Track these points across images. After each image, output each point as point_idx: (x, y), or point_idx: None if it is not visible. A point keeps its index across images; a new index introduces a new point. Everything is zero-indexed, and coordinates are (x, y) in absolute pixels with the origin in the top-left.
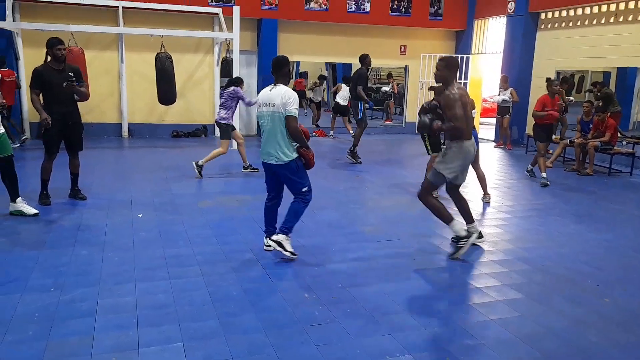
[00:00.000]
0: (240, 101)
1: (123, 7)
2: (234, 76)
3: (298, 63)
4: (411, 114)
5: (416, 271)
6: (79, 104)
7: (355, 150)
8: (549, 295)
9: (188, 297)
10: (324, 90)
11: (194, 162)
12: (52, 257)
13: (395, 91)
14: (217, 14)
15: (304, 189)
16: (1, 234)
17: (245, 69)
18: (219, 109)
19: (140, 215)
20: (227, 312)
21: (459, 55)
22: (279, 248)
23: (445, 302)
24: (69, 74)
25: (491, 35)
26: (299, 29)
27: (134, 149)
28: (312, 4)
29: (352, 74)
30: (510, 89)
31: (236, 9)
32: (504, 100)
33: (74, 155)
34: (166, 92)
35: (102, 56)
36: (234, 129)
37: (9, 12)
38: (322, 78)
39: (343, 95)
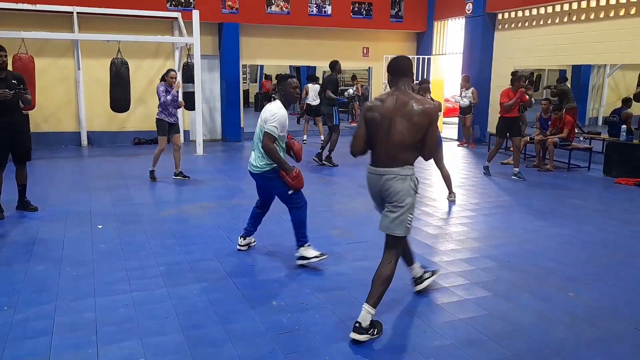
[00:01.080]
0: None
1: (78, 13)
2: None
3: (262, 66)
4: None
5: None
6: (32, 113)
7: (331, 155)
8: (516, 292)
9: (151, 311)
10: None
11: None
12: (6, 273)
13: (360, 93)
14: (176, 18)
15: (290, 192)
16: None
17: (207, 74)
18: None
19: (100, 227)
20: (192, 324)
21: (417, 56)
22: (304, 262)
23: (413, 303)
24: (13, 81)
25: (451, 36)
26: (261, 33)
27: (93, 158)
28: (274, 7)
29: (314, 74)
30: (471, 88)
31: (196, 13)
32: (465, 101)
33: (21, 166)
34: (119, 99)
35: (58, 63)
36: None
37: None
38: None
39: (313, 96)
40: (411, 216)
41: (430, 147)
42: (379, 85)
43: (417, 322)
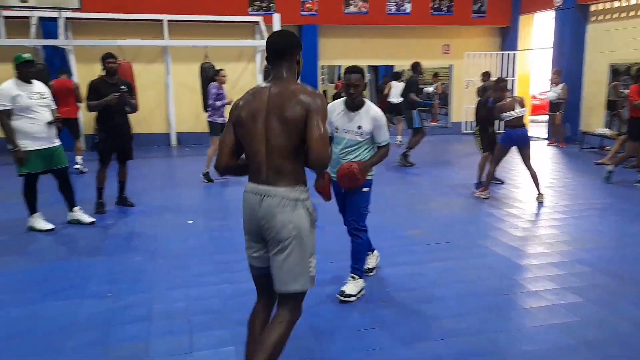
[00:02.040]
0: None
1: (168, 20)
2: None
3: (339, 67)
4: (456, 114)
5: (468, 275)
6: (129, 116)
7: (408, 153)
8: (612, 299)
9: (239, 303)
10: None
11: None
12: (108, 263)
13: (439, 91)
14: (257, 22)
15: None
16: (60, 242)
17: None
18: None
19: (190, 222)
20: None
21: (501, 52)
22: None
23: (501, 307)
24: (121, 87)
25: (538, 30)
26: (339, 34)
27: (182, 158)
28: (352, 8)
29: (398, 72)
30: (561, 84)
31: (276, 17)
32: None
33: (123, 164)
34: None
35: (150, 69)
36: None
37: (61, 30)
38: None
39: (395, 93)
40: (313, 260)
41: (315, 147)
42: (460, 83)
43: (506, 326)
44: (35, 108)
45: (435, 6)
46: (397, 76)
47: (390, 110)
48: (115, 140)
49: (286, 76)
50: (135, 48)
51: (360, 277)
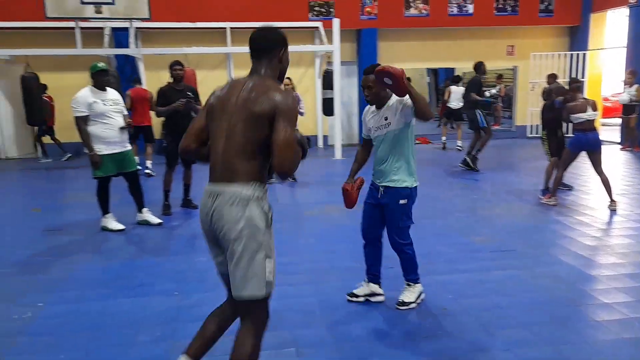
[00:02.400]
0: None
1: (231, 28)
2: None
3: None
4: (520, 117)
5: (534, 284)
6: None
7: (477, 155)
8: None
9: (298, 305)
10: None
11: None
12: (174, 263)
13: (502, 94)
14: (317, 27)
15: None
16: (130, 241)
17: (346, 80)
18: None
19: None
20: (336, 320)
21: (570, 52)
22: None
23: (570, 318)
24: (187, 93)
25: (611, 28)
26: (398, 37)
27: None
28: (412, 10)
29: (457, 75)
30: (635, 85)
31: (336, 22)
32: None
33: (188, 168)
34: None
35: (212, 75)
36: None
37: (132, 39)
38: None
39: (455, 98)
40: (270, 263)
41: (278, 152)
42: (525, 85)
43: (575, 338)
44: (109, 114)
45: (500, 6)
46: (457, 80)
47: (449, 115)
48: None
49: (264, 73)
50: (199, 55)
51: (416, 283)
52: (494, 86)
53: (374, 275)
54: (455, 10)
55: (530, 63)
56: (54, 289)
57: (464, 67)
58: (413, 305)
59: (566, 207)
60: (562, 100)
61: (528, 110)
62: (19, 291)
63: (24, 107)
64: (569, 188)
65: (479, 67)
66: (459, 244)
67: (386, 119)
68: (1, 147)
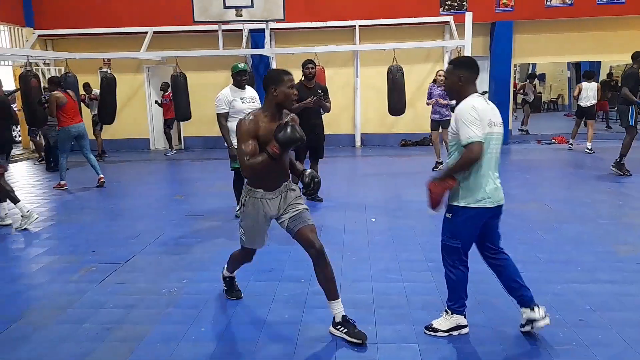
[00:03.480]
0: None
1: (359, 26)
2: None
3: (534, 65)
4: None
5: None
6: None
7: (622, 161)
8: None
9: (421, 301)
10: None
11: None
12: (301, 252)
13: None
14: (448, 22)
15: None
16: None
17: None
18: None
19: (373, 220)
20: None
21: None
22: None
23: None
24: (318, 90)
25: None
26: (536, 29)
27: (366, 157)
28: (554, 0)
29: (591, 70)
30: None
31: (469, 15)
32: None
33: (315, 162)
34: (397, 103)
35: (340, 72)
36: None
37: (267, 39)
38: (531, 77)
39: (585, 96)
40: (241, 230)
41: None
42: None
43: None
44: (246, 111)
45: None
46: (590, 76)
47: (580, 114)
48: (311, 140)
49: (263, 104)
50: (327, 53)
51: (454, 313)
52: None
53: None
54: None
55: None
56: (196, 268)
57: (611, 60)
58: (442, 334)
59: None
60: None
61: None
62: (167, 269)
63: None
64: None
65: (637, 57)
66: (600, 252)
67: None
68: (151, 140)
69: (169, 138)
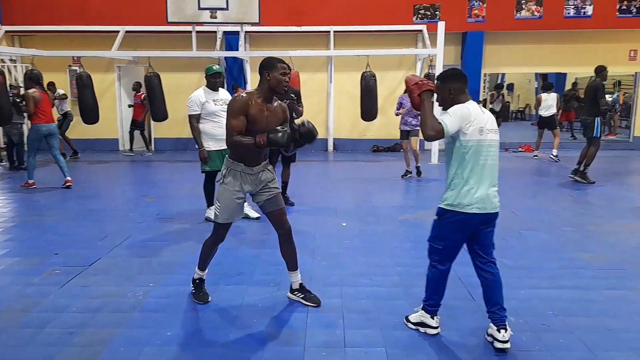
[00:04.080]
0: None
1: (334, 32)
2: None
3: (503, 75)
4: None
5: None
6: None
7: (586, 170)
8: None
9: (389, 306)
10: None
11: None
12: (271, 256)
13: (621, 101)
14: (421, 30)
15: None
16: (231, 233)
17: None
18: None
19: (344, 224)
20: None
21: None
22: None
23: None
24: (291, 95)
25: None
26: (506, 40)
27: (338, 162)
28: (524, 12)
29: (549, 82)
30: None
31: (441, 25)
32: None
33: (287, 166)
34: (369, 109)
35: (315, 77)
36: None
37: (241, 42)
38: (499, 87)
39: (545, 106)
40: (217, 204)
41: None
42: None
43: None
44: (218, 113)
45: (623, 8)
46: (548, 87)
47: (541, 124)
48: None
49: (257, 86)
50: (302, 58)
51: (423, 310)
52: (612, 93)
53: None
54: (572, 12)
55: None
56: (163, 271)
57: (577, 72)
58: (410, 325)
59: None
60: None
61: None
62: (133, 272)
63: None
64: None
65: (601, 71)
66: (564, 259)
67: None
68: (120, 141)
69: (144, 139)
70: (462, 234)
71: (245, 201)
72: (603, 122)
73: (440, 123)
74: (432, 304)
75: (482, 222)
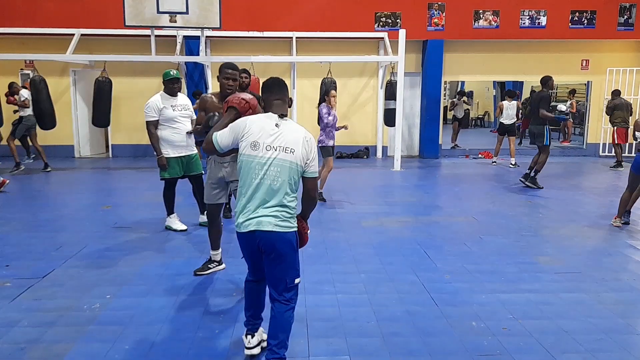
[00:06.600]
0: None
1: (296, 38)
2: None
3: (463, 83)
4: (593, 134)
5: (602, 310)
6: None
7: (536, 176)
8: None
9: (354, 313)
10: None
11: None
12: (233, 265)
13: (574, 110)
14: (382, 38)
15: (297, 281)
16: (192, 241)
17: (408, 91)
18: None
19: (308, 232)
20: (392, 332)
21: None
22: None
23: None
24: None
25: None
26: (466, 48)
27: None
28: (481, 22)
29: (512, 90)
30: None
31: (402, 32)
32: None
33: None
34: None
35: None
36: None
37: (202, 47)
38: (461, 94)
39: (507, 114)
40: (206, 189)
41: None
42: (600, 101)
43: None
44: (177, 119)
45: (575, 19)
46: (511, 95)
47: (502, 131)
48: None
49: None
50: (264, 64)
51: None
52: (565, 101)
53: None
54: (527, 22)
55: (605, 78)
56: (121, 283)
57: (533, 80)
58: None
59: None
60: None
61: (602, 128)
62: (89, 284)
63: (93, 109)
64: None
65: (546, 81)
66: (522, 263)
67: None
68: (76, 147)
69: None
70: (245, 252)
71: (228, 187)
72: (558, 130)
73: (214, 136)
74: (247, 317)
75: (258, 246)
